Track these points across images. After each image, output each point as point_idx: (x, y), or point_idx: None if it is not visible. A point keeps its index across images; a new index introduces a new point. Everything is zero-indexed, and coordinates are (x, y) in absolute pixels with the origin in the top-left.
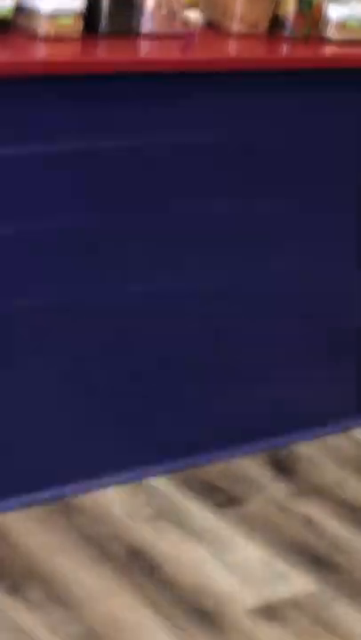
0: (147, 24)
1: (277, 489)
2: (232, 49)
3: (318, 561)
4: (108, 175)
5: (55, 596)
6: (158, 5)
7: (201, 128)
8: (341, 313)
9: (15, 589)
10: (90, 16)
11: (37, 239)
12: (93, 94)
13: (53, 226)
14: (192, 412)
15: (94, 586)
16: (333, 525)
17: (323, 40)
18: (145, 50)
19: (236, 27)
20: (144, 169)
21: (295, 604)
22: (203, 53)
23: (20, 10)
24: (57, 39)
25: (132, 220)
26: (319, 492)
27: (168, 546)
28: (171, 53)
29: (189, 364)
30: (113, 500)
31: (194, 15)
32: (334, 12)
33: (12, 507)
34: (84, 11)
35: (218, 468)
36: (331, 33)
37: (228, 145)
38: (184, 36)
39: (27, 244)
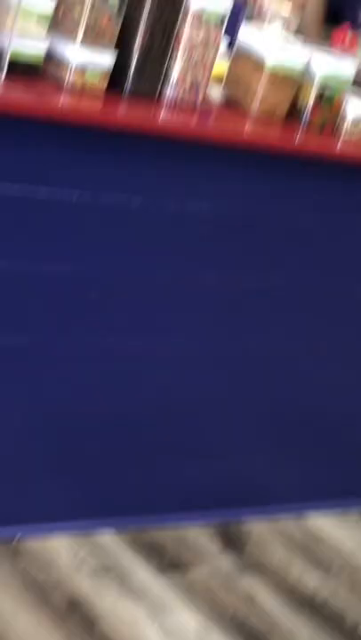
0: (170, 91)
1: (223, 562)
2: (246, 128)
3: (254, 638)
4: (103, 228)
5: None
6: (184, 75)
7: (202, 198)
8: (306, 396)
9: None
10: (117, 74)
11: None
12: (106, 149)
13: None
14: (147, 475)
15: (29, 632)
16: (273, 605)
17: (337, 134)
18: (163, 115)
19: (255, 108)
20: (138, 228)
21: None
22: (217, 128)
23: (49, 57)
24: (82, 91)
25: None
26: (263, 571)
27: (108, 602)
28: (186, 123)
29: (150, 429)
30: (60, 549)
31: (216, 90)
32: (352, 110)
33: None
34: (112, 68)
35: (167, 533)
36: (346, 129)
37: (226, 217)
38: (202, 109)
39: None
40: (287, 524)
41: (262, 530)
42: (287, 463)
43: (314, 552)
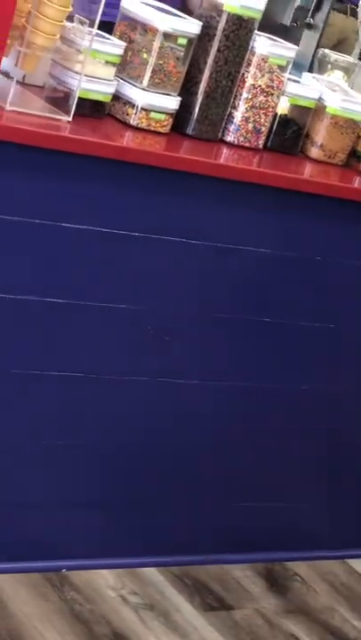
0: (232, 135)
1: (268, 603)
2: (305, 171)
3: None
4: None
5: None
6: (245, 120)
7: (257, 239)
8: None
9: None
10: (180, 117)
11: None
12: (169, 189)
13: None
14: (193, 513)
15: None
16: None
17: None
18: (224, 157)
19: (315, 153)
20: (190, 262)
21: None
22: (276, 170)
23: (116, 98)
24: (147, 131)
25: None
26: (307, 614)
27: (152, 637)
28: (247, 165)
29: (197, 468)
30: (107, 583)
31: None
32: None
33: (7, 570)
34: (177, 111)
35: (213, 572)
36: None
37: (285, 259)
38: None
39: None
40: (332, 568)
41: (307, 572)
42: (335, 507)
43: (358, 597)
